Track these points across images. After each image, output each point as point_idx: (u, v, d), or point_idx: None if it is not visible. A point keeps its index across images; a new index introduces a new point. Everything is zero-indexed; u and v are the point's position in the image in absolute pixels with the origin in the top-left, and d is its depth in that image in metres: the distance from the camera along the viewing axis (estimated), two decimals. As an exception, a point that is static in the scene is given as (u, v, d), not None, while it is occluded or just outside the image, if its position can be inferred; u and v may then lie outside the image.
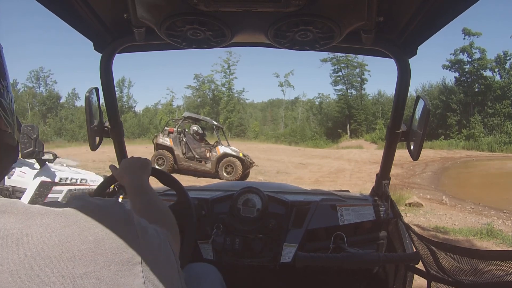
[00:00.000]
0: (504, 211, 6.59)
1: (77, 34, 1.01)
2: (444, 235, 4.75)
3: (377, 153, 19.68)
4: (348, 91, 41.32)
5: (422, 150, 1.18)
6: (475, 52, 33.76)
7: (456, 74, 35.58)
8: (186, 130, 11.21)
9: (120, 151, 1.40)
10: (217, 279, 1.04)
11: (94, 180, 4.52)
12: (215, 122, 11.95)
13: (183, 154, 10.53)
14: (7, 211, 0.39)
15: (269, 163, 14.59)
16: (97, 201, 0.46)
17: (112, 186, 1.43)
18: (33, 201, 3.88)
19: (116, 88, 1.33)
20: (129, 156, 1.47)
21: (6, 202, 0.40)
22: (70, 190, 4.28)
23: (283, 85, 45.16)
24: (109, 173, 1.08)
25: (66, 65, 64.31)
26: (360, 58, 38.56)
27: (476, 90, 34.13)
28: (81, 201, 0.45)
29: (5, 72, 0.48)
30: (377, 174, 1.44)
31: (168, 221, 0.72)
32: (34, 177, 3.91)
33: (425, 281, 1.18)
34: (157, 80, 71.69)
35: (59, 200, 4.00)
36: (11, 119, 0.49)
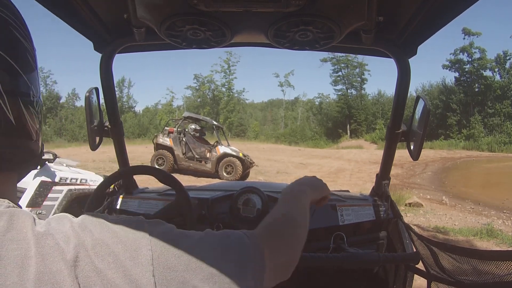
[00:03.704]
0: (504, 211, 6.59)
1: (77, 34, 1.01)
2: (444, 235, 4.75)
3: (377, 153, 19.68)
4: (348, 91, 41.33)
5: (422, 150, 1.18)
6: (475, 52, 33.79)
7: (456, 74, 35.62)
8: (186, 130, 11.22)
9: (120, 151, 1.40)
10: None
11: (94, 180, 4.52)
12: (215, 122, 11.96)
13: (183, 154, 10.54)
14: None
15: (269, 163, 14.60)
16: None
17: (112, 186, 1.43)
18: (33, 201, 3.89)
19: (116, 88, 1.33)
20: (129, 156, 1.47)
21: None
22: (70, 190, 4.29)
23: (283, 85, 45.22)
24: (109, 173, 1.08)
25: (66, 65, 64.41)
26: (360, 58, 38.59)
27: (476, 90, 34.12)
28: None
29: (38, 80, 0.48)
30: (377, 174, 1.44)
31: (285, 243, 0.56)
32: (34, 177, 3.91)
33: (425, 281, 1.18)
34: (157, 80, 71.72)
35: (59, 200, 4.00)
36: (39, 128, 0.48)
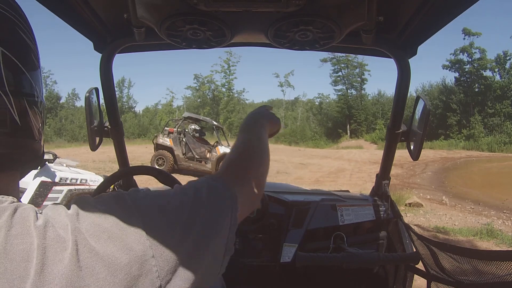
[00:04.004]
0: (504, 211, 6.59)
1: (77, 34, 1.01)
2: (444, 235, 4.75)
3: (377, 153, 19.68)
4: (348, 91, 41.39)
5: (422, 150, 1.18)
6: (475, 52, 33.82)
7: (456, 74, 35.66)
8: (186, 130, 11.23)
9: (120, 151, 1.40)
10: (218, 280, 1.05)
11: (94, 180, 4.52)
12: (215, 122, 11.97)
13: (183, 154, 10.55)
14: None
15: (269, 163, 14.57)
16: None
17: (112, 186, 1.43)
18: (33, 201, 3.89)
19: (116, 88, 1.33)
20: (129, 156, 1.47)
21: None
22: (70, 190, 4.29)
23: (283, 85, 45.32)
24: (109, 173, 1.08)
25: (66, 66, 64.42)
26: (360, 58, 38.65)
27: (476, 90, 34.15)
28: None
29: (41, 80, 0.49)
30: (377, 174, 1.44)
31: (253, 172, 0.59)
32: (34, 177, 3.92)
33: (425, 281, 1.18)
34: (157, 80, 71.80)
35: (59, 200, 3.99)
36: (41, 128, 0.49)
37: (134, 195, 0.44)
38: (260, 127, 0.72)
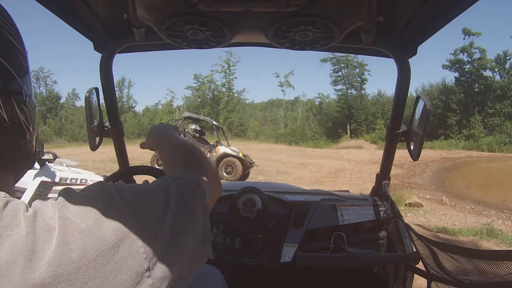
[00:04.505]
0: (504, 211, 6.59)
1: (77, 34, 1.01)
2: (445, 235, 4.75)
3: (377, 153, 19.68)
4: (348, 91, 41.34)
5: (422, 150, 1.18)
6: (475, 52, 33.77)
7: (456, 74, 35.61)
8: (186, 130, 11.22)
9: (120, 151, 1.40)
10: (220, 281, 1.05)
11: (94, 180, 4.51)
12: (215, 122, 11.96)
13: (183, 154, 10.55)
14: None
15: (269, 163, 14.58)
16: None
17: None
18: (33, 201, 3.90)
19: (116, 88, 1.33)
20: (129, 156, 1.47)
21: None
22: (70, 190, 4.28)
23: (283, 85, 45.35)
24: (109, 173, 1.08)
25: (66, 65, 64.44)
26: (360, 58, 38.65)
27: (476, 90, 34.11)
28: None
29: (30, 81, 0.50)
30: (377, 174, 1.44)
31: (203, 165, 0.61)
32: (34, 177, 3.91)
33: (425, 281, 1.18)
34: (157, 80, 71.80)
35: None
36: (31, 126, 0.49)
37: (114, 185, 0.46)
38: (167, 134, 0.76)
